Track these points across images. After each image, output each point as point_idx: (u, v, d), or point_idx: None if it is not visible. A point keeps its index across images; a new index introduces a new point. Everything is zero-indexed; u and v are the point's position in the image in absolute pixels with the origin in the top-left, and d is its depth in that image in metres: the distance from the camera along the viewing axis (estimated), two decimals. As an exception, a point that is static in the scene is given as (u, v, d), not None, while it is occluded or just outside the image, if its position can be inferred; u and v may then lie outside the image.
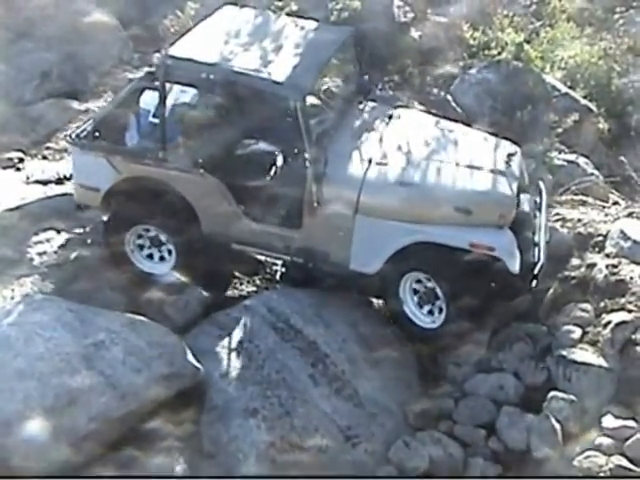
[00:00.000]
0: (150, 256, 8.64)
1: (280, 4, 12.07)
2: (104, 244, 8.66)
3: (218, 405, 7.26)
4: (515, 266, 7.85)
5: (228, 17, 8.92)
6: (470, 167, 8.22)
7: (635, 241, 8.51)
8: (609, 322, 7.91)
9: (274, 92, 8.10)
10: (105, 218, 8.57)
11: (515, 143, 8.74)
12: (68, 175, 9.60)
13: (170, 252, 8.55)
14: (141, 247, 8.63)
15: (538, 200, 8.85)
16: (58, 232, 8.88)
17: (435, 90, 9.58)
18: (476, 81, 11.11)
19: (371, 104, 9.04)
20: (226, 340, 7.66)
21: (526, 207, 8.47)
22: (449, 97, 10.50)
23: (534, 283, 8.13)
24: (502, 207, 8.00)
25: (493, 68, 11.31)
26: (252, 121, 8.76)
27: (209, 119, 8.55)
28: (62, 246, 8.74)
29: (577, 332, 7.90)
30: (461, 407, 7.71)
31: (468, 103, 10.58)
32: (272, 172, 8.61)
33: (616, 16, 12.19)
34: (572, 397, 7.50)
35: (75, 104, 11.39)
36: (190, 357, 7.34)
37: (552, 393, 7.54)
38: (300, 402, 7.24)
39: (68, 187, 9.43)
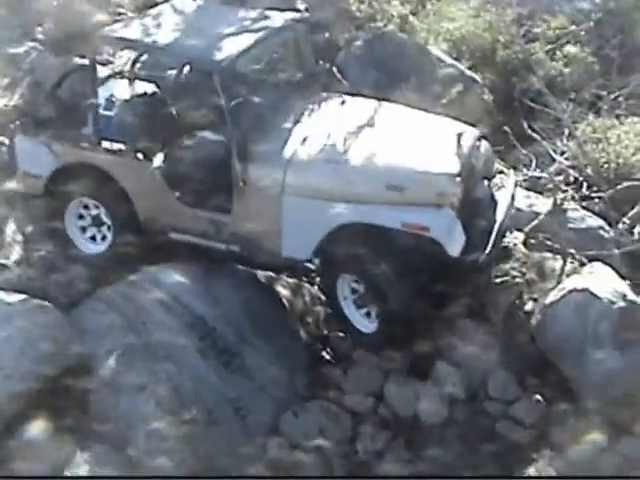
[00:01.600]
0: (93, 238, 8.66)
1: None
2: (44, 222, 8.68)
3: (106, 382, 7.16)
4: (454, 249, 7.39)
5: (173, 7, 8.97)
6: (409, 146, 7.88)
7: (518, 209, 8.67)
8: (493, 288, 8.08)
9: (193, 63, 8.24)
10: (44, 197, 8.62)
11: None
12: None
13: (109, 229, 8.54)
14: (83, 229, 8.66)
15: (503, 189, 8.46)
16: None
17: (320, 62, 9.59)
18: (361, 53, 11.15)
19: (324, 94, 8.72)
20: (112, 316, 7.52)
21: (480, 194, 8.07)
22: (334, 69, 10.51)
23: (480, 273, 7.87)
24: (439, 185, 7.50)
25: (378, 40, 11.36)
26: (186, 105, 8.49)
27: (149, 106, 8.65)
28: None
29: (462, 299, 8.01)
30: (350, 376, 7.79)
31: (353, 75, 10.60)
32: (207, 157, 8.19)
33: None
34: (458, 363, 7.66)
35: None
36: (75, 335, 7.26)
37: (438, 360, 7.69)
38: (188, 376, 7.20)
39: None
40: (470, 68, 11.62)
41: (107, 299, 7.72)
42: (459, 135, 7.68)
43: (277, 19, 8.62)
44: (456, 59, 11.70)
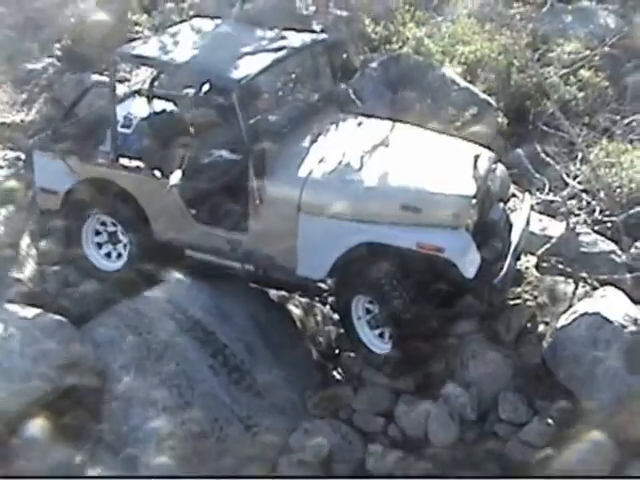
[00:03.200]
0: (108, 255, 8.67)
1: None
2: (59, 238, 8.74)
3: (118, 395, 7.22)
4: (469, 270, 7.37)
5: (191, 26, 9.02)
6: (425, 167, 7.90)
7: (531, 232, 8.67)
8: (506, 311, 8.08)
9: (212, 81, 8.37)
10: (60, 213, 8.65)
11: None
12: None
13: (125, 247, 8.55)
14: (99, 246, 8.67)
15: (519, 211, 8.49)
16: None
17: (337, 83, 9.64)
18: (376, 74, 11.19)
19: (341, 114, 8.75)
20: (125, 331, 7.58)
21: (495, 215, 8.02)
22: (350, 90, 10.57)
23: (495, 295, 7.87)
24: (455, 206, 7.52)
25: (393, 62, 11.41)
26: (205, 126, 8.57)
27: (166, 124, 8.73)
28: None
29: (474, 320, 8.02)
30: (360, 395, 7.79)
31: (368, 96, 10.64)
32: (224, 175, 8.16)
33: (512, 11, 12.39)
34: (469, 384, 7.65)
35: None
36: (88, 349, 7.29)
37: (449, 380, 7.67)
38: (199, 392, 7.25)
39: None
40: (484, 91, 11.65)
41: (120, 314, 7.78)
42: (475, 157, 7.64)
43: (295, 39, 8.65)
44: (471, 82, 11.74)
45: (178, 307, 7.80)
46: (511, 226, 8.21)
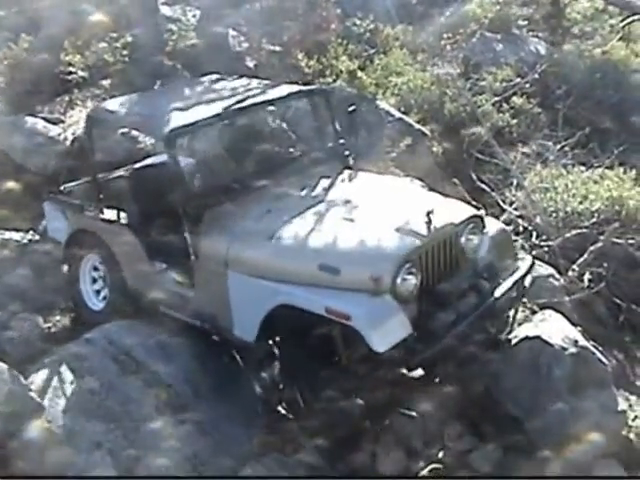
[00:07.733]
0: (98, 292, 8.84)
1: (115, 35, 12.08)
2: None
3: (62, 441, 7.09)
4: (379, 343, 6.44)
5: (188, 82, 9.51)
6: (361, 224, 7.13)
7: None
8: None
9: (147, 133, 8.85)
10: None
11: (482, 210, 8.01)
12: None
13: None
14: (94, 280, 8.87)
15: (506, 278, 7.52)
16: None
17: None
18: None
19: (347, 172, 8.30)
20: (68, 374, 7.49)
21: (462, 284, 7.17)
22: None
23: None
24: (373, 269, 6.67)
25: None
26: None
27: (146, 177, 8.74)
28: None
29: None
30: (307, 430, 7.74)
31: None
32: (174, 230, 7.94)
33: (443, 41, 12.56)
34: (414, 414, 7.66)
35: None
36: (31, 393, 7.19)
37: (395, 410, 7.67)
38: (145, 433, 7.15)
39: None
40: (419, 121, 11.78)
41: (63, 357, 7.70)
42: (428, 213, 6.97)
43: (278, 91, 8.59)
44: (404, 112, 11.86)
45: (121, 349, 7.72)
46: (484, 298, 7.30)
